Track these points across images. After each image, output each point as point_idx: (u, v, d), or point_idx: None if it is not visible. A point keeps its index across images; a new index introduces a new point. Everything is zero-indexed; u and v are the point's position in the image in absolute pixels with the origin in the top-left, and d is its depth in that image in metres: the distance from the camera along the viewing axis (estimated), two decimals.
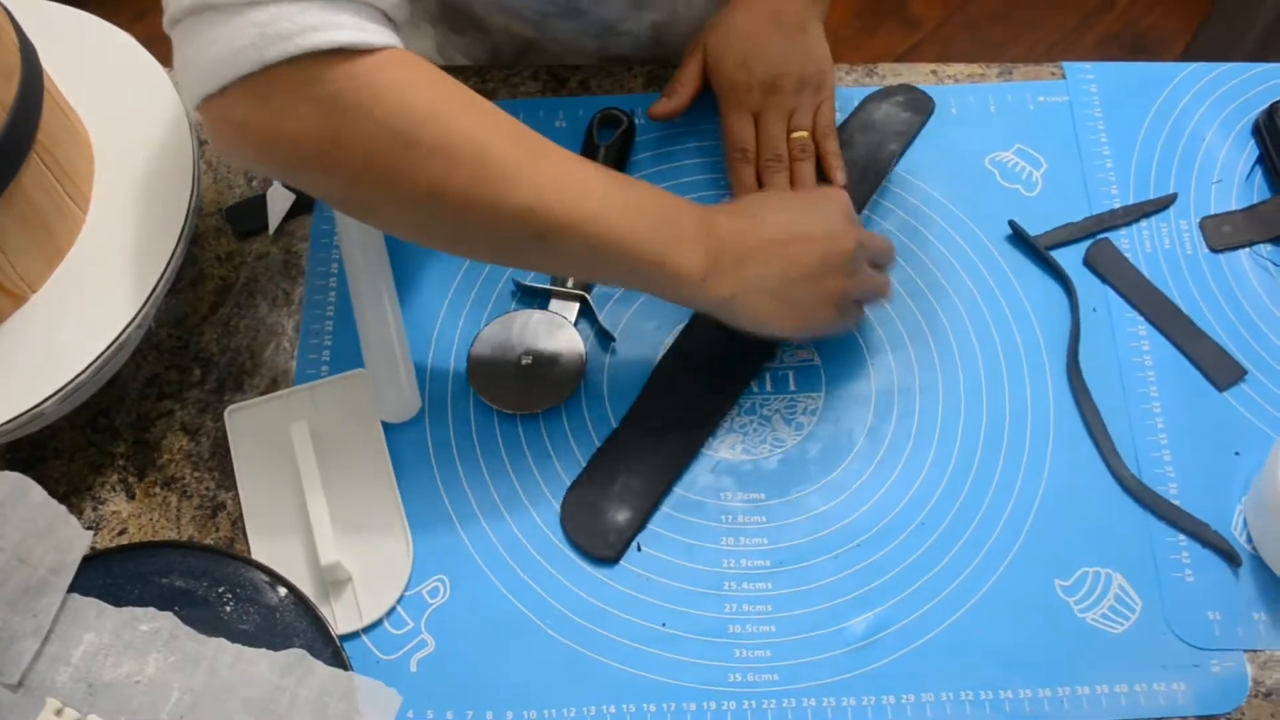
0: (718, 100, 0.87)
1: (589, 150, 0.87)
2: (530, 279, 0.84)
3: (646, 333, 0.82)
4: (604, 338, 0.82)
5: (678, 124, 0.90)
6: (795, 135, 0.85)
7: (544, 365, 0.80)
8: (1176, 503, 0.76)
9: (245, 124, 0.61)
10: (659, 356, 0.81)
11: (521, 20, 0.95)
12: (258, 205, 0.86)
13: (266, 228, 0.86)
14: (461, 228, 0.66)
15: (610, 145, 0.87)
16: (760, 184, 0.85)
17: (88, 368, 0.71)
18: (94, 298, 0.73)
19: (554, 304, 0.82)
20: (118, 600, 0.72)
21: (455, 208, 0.64)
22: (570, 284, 0.82)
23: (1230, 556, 0.75)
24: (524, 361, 0.80)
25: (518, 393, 0.79)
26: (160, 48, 0.83)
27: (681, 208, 0.72)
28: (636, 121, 0.90)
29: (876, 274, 0.78)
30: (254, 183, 0.88)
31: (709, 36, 0.86)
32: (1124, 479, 0.77)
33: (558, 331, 0.81)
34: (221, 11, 0.58)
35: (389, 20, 0.63)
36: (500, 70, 0.93)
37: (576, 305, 0.82)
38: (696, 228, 0.71)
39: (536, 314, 0.81)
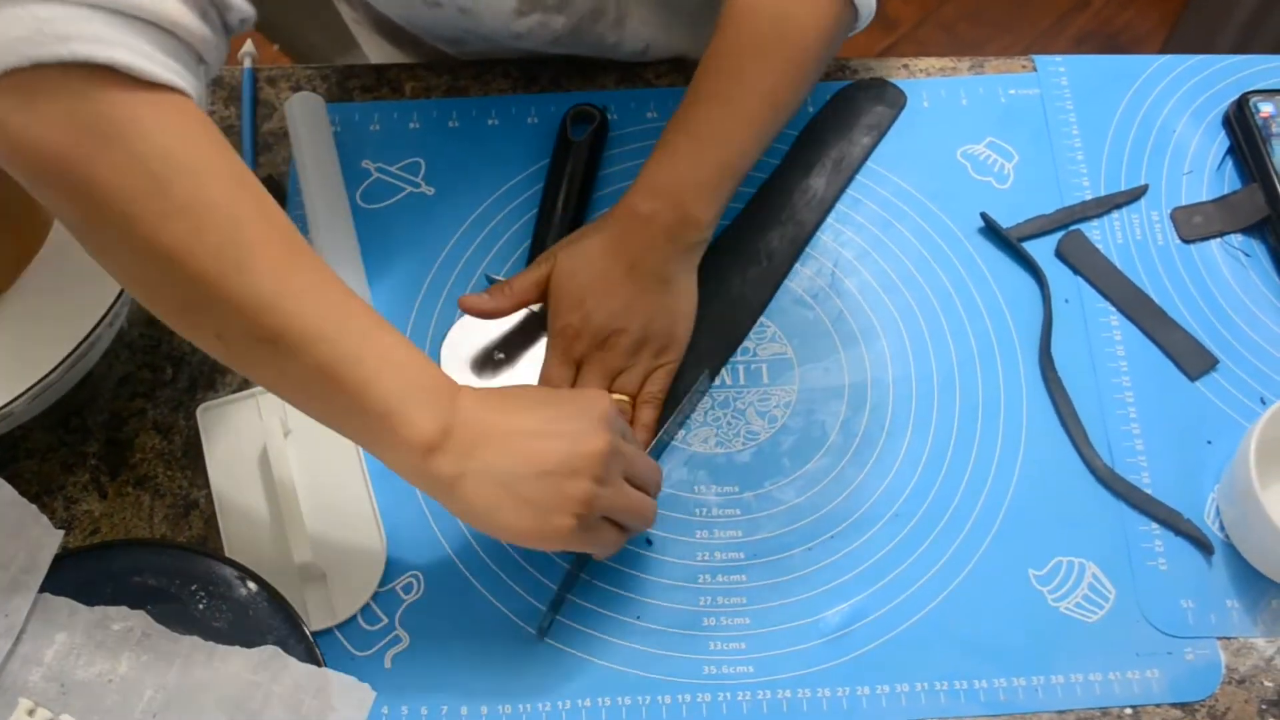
0: (546, 334, 0.79)
1: (563, 147, 0.87)
2: (503, 273, 0.84)
3: None
4: None
5: (652, 121, 0.90)
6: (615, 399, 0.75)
7: (517, 361, 0.79)
8: (1149, 491, 0.76)
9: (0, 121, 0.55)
10: None
11: (440, 42, 0.94)
12: None
13: None
14: (192, 302, 0.59)
15: (583, 142, 0.87)
16: None
17: (58, 367, 0.71)
18: (64, 297, 0.73)
19: None
20: (90, 599, 0.71)
21: (190, 277, 0.57)
22: None
23: (1203, 545, 0.75)
24: (497, 357, 0.80)
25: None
26: None
27: (433, 371, 0.64)
28: (610, 117, 0.90)
29: (635, 492, 0.68)
30: None
31: (560, 257, 0.78)
32: (1097, 469, 0.77)
33: (531, 327, 0.81)
34: None
35: (199, 61, 0.59)
36: (472, 67, 0.93)
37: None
38: (439, 393, 0.63)
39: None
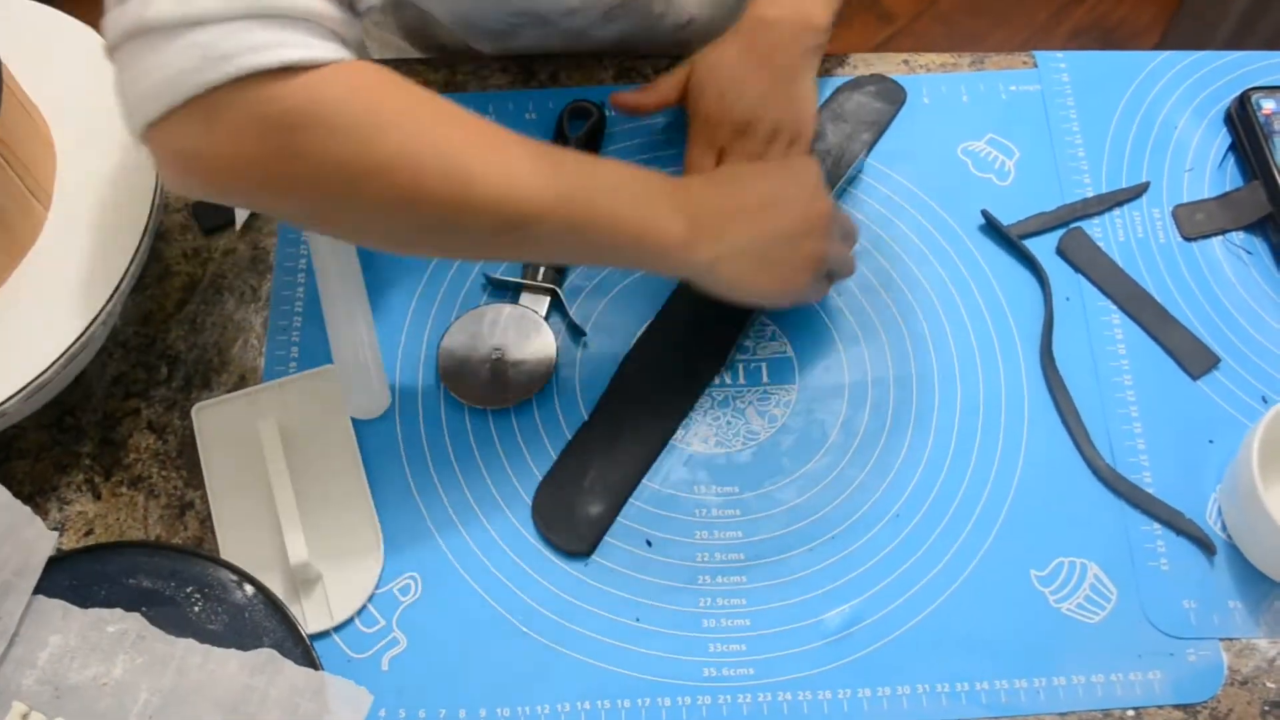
0: (687, 128, 0.84)
1: (559, 142, 0.86)
2: (500, 272, 0.83)
3: (617, 326, 0.82)
4: (575, 331, 0.81)
5: (650, 116, 0.89)
6: None
7: (514, 359, 0.79)
8: (1150, 491, 0.76)
9: (192, 152, 0.58)
10: (629, 350, 0.81)
11: (483, 38, 0.94)
12: None
13: (233, 223, 0.85)
14: (433, 231, 0.64)
15: (579, 138, 0.86)
16: None
17: (51, 365, 0.70)
18: (57, 295, 0.72)
19: (524, 298, 0.81)
20: (84, 602, 0.71)
21: (425, 212, 0.62)
22: (540, 277, 0.82)
23: (1205, 545, 0.75)
24: (494, 356, 0.79)
25: (488, 387, 0.78)
26: None
27: (654, 179, 0.71)
28: (607, 114, 0.89)
29: (844, 247, 0.77)
30: None
31: (698, 60, 0.84)
32: (1099, 468, 0.77)
33: (528, 325, 0.80)
34: (161, 34, 0.55)
35: (339, 38, 0.60)
36: (470, 63, 0.92)
37: (547, 299, 0.81)
38: (672, 196, 0.70)
39: (507, 308, 0.81)
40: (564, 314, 0.82)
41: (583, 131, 0.86)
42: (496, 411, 0.79)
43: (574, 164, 0.68)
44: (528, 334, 0.80)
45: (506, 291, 0.82)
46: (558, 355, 0.79)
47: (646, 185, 0.70)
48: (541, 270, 0.82)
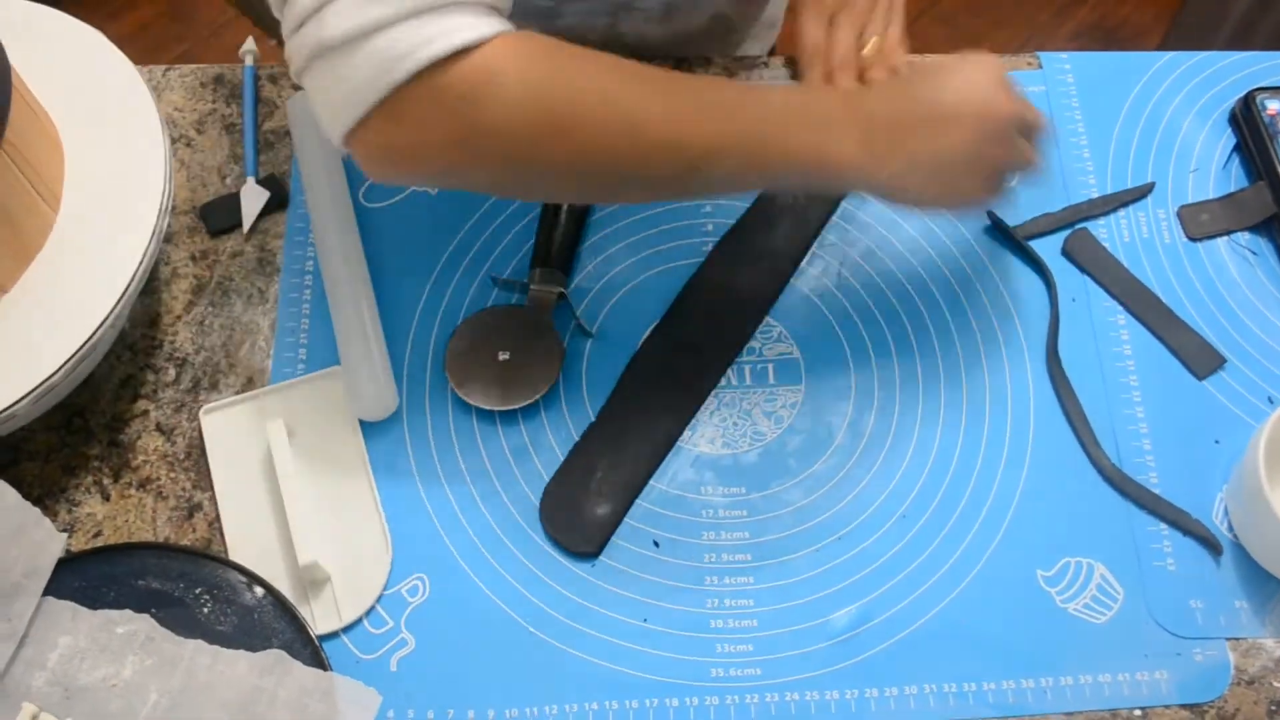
0: (797, 5, 0.89)
1: None
2: (507, 274, 0.83)
3: (624, 328, 0.82)
4: (582, 332, 0.82)
5: None
6: (868, 48, 0.87)
7: (521, 361, 0.79)
8: (1156, 491, 0.76)
9: (389, 147, 0.62)
10: (635, 351, 0.81)
11: (530, 15, 0.94)
12: (231, 203, 0.85)
13: (240, 225, 0.85)
14: (616, 181, 0.68)
15: None
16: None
17: (60, 368, 0.70)
18: (66, 297, 0.72)
19: (532, 298, 0.81)
20: (94, 603, 0.71)
21: (604, 166, 0.65)
22: (549, 280, 0.81)
23: (1211, 545, 0.75)
24: (501, 357, 0.79)
25: (495, 389, 0.78)
26: (132, 47, 0.83)
27: (827, 100, 0.71)
28: None
29: (1025, 143, 0.75)
30: (227, 180, 0.87)
31: None
32: (1105, 469, 0.77)
33: (535, 328, 0.80)
34: (341, 50, 0.59)
35: (496, 11, 0.63)
36: None
37: (554, 300, 0.81)
38: (846, 113, 0.70)
39: (513, 310, 0.81)
40: (571, 315, 0.82)
41: None
42: (504, 413, 0.79)
43: (744, 98, 0.68)
44: (534, 336, 0.80)
45: (513, 291, 0.82)
46: (564, 356, 0.80)
47: (819, 107, 0.70)
48: (550, 272, 0.82)
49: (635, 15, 0.94)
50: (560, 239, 0.82)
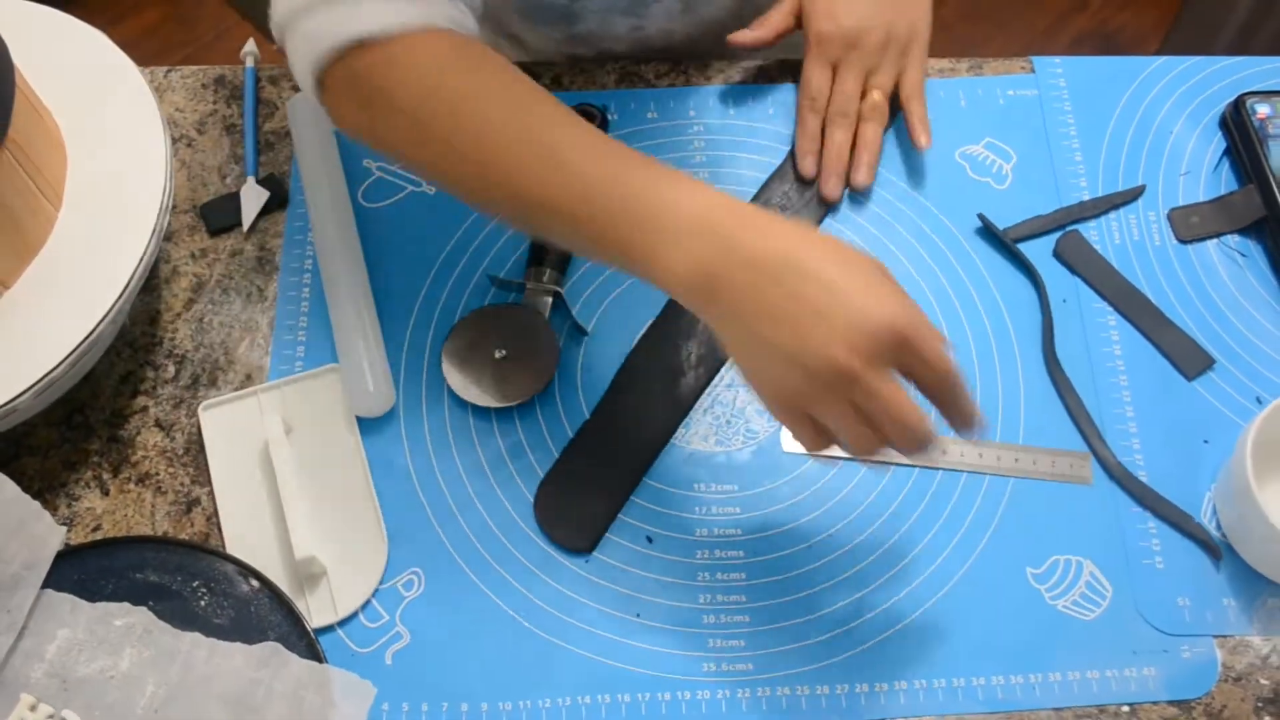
0: (803, 47, 0.88)
1: None
2: (504, 272, 0.84)
3: (619, 327, 0.83)
4: (577, 330, 0.82)
5: (652, 121, 0.90)
6: (869, 96, 0.86)
7: (518, 359, 0.80)
8: (1157, 491, 0.77)
9: (334, 117, 0.71)
10: (630, 350, 0.81)
11: (550, 19, 0.95)
12: (231, 202, 0.86)
13: (240, 225, 0.86)
14: (473, 201, 0.69)
15: None
16: (824, 137, 0.88)
17: (61, 363, 0.71)
18: (67, 294, 0.73)
19: (528, 297, 0.82)
20: (92, 596, 0.72)
21: (458, 187, 0.68)
22: (545, 279, 0.82)
23: (1210, 548, 0.75)
24: (498, 355, 0.80)
25: (492, 387, 0.79)
26: (136, 51, 0.84)
27: (690, 202, 0.61)
28: (610, 117, 0.90)
29: (895, 389, 0.59)
30: (227, 180, 0.88)
31: None
32: (1110, 467, 0.77)
33: (531, 326, 0.81)
34: (288, 29, 0.68)
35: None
36: None
37: (550, 299, 0.82)
38: (704, 227, 0.60)
39: (510, 309, 0.82)
40: (566, 314, 0.83)
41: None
42: (499, 410, 0.79)
43: (603, 168, 0.62)
44: (531, 334, 0.81)
45: (510, 290, 0.83)
46: (560, 354, 0.80)
47: (672, 210, 0.60)
48: (546, 272, 0.83)
49: (655, 11, 0.94)
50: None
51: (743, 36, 0.88)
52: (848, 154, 0.87)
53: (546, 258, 0.83)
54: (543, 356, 0.80)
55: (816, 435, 0.61)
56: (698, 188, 0.61)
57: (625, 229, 0.61)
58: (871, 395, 0.58)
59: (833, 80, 0.87)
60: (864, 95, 0.87)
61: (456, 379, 0.79)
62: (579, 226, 0.63)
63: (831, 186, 0.86)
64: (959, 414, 0.61)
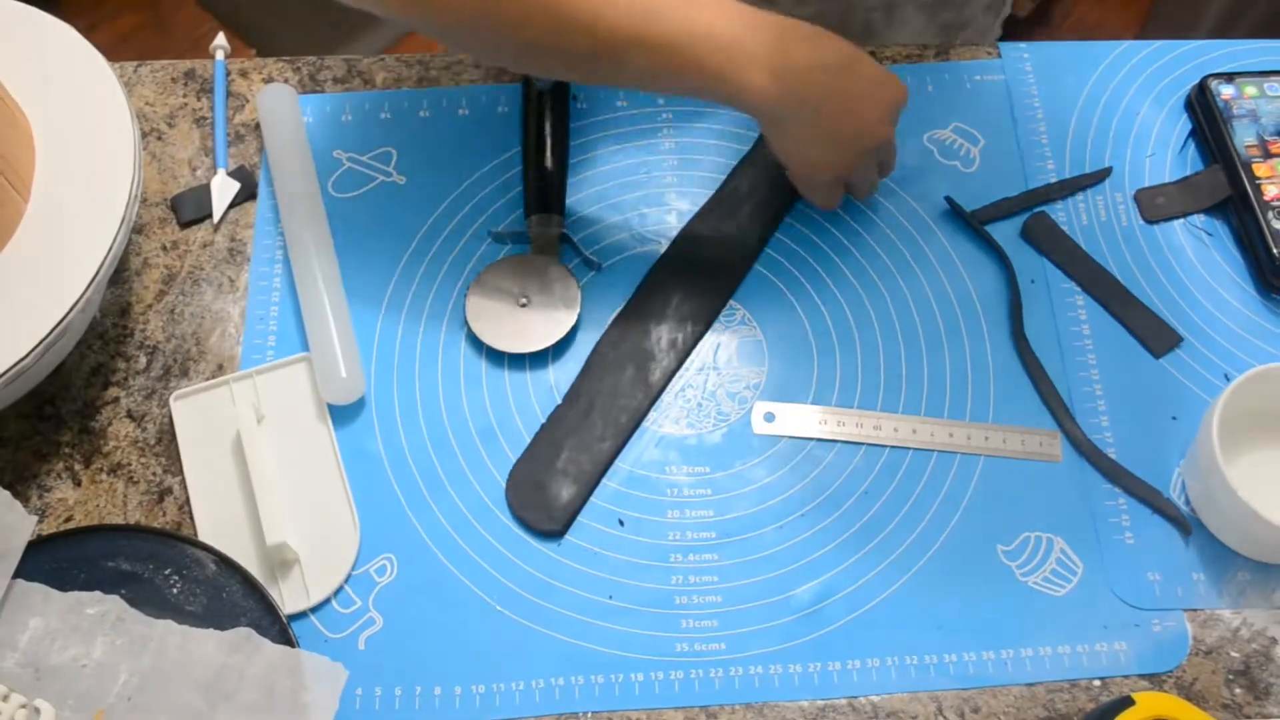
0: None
1: (527, 94, 0.89)
2: (503, 226, 0.85)
3: (593, 311, 0.83)
4: (589, 266, 0.84)
5: (623, 110, 0.91)
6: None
7: (542, 303, 0.81)
8: (1126, 467, 0.77)
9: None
10: (602, 333, 0.82)
11: None
12: (202, 194, 0.86)
13: (211, 216, 0.86)
14: (533, 52, 0.71)
15: (547, 91, 0.88)
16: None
17: (30, 353, 0.71)
18: (36, 285, 0.73)
19: (535, 244, 0.84)
20: (64, 585, 0.71)
21: (525, 33, 0.69)
22: (552, 224, 0.84)
23: (1181, 525, 0.76)
24: (521, 301, 0.81)
25: (522, 334, 0.81)
26: (113, 58, 0.84)
27: (748, 24, 0.71)
28: (580, 106, 0.91)
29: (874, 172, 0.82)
30: (197, 172, 0.88)
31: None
32: (1080, 443, 0.78)
33: (545, 268, 0.82)
34: None
35: None
36: (443, 58, 0.93)
37: (557, 239, 0.84)
38: (767, 47, 0.71)
39: (522, 258, 0.83)
40: (576, 252, 0.84)
41: (551, 82, 0.88)
42: (471, 394, 0.80)
43: (673, 4, 0.70)
44: (547, 277, 0.82)
45: (510, 243, 0.85)
46: (582, 293, 0.82)
47: (739, 33, 0.71)
48: (553, 218, 0.84)
49: None
50: (553, 181, 0.85)
51: None
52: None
53: (547, 202, 0.84)
54: (565, 295, 0.81)
55: (838, 194, 0.83)
56: (743, 11, 0.72)
57: (706, 60, 0.70)
58: (890, 148, 0.82)
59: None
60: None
61: (485, 331, 0.80)
62: (658, 61, 0.70)
63: None
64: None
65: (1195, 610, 0.74)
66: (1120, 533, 0.76)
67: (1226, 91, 0.88)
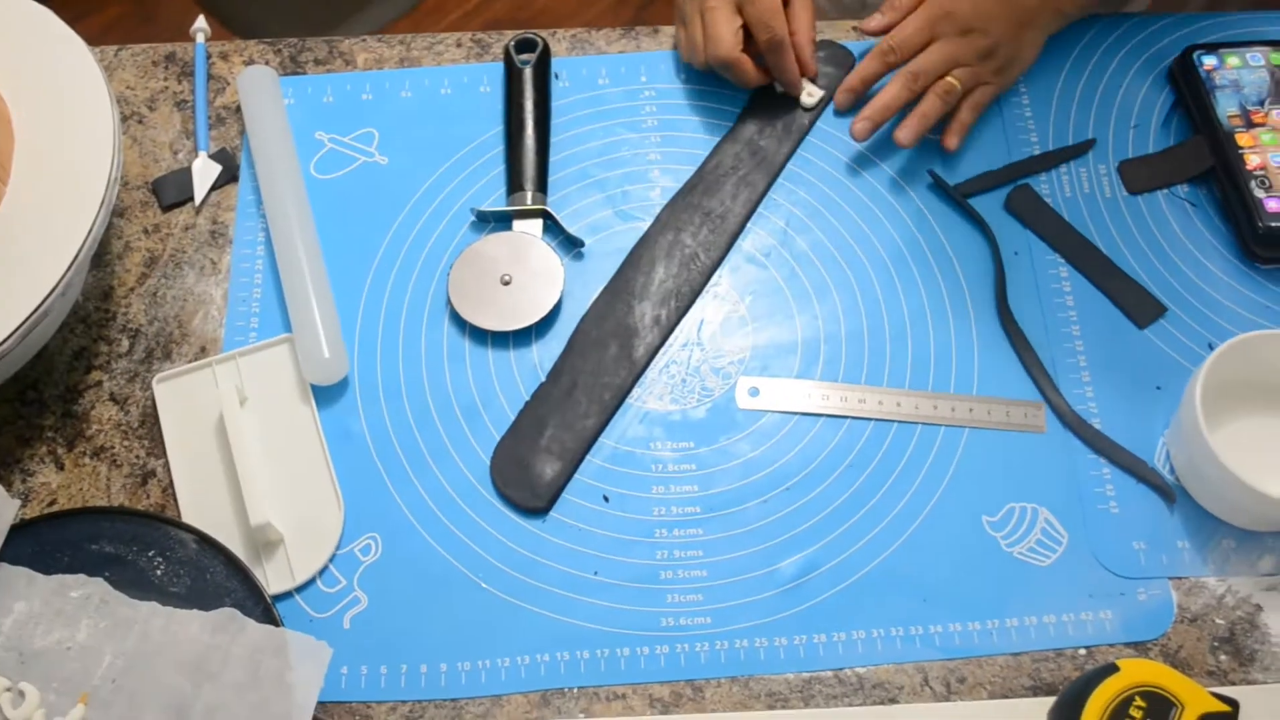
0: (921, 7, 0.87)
1: (510, 72, 0.89)
2: (487, 204, 0.85)
3: (576, 289, 0.83)
4: (572, 244, 0.84)
5: (603, 87, 0.91)
6: (946, 79, 0.85)
7: (524, 281, 0.81)
8: (1110, 437, 0.77)
9: None
10: (585, 310, 0.82)
11: None
12: (183, 177, 0.86)
13: (193, 199, 0.86)
14: None
15: (530, 66, 0.88)
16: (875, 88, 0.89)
17: (11, 336, 0.71)
18: (15, 268, 0.73)
19: (517, 224, 0.84)
20: (48, 568, 0.71)
21: None
22: (530, 201, 0.84)
23: (1165, 493, 0.75)
24: (504, 279, 0.81)
25: (505, 312, 0.81)
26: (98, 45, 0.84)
27: None
28: (563, 84, 0.91)
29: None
30: (179, 155, 0.88)
31: None
32: (1064, 414, 0.78)
33: (530, 249, 0.82)
34: None
35: None
36: (424, 37, 0.93)
37: (540, 220, 0.83)
38: None
39: (503, 235, 0.83)
40: (559, 230, 0.84)
41: (533, 60, 0.89)
42: (454, 373, 0.80)
43: None
44: (531, 259, 0.82)
45: (494, 221, 0.85)
46: (564, 269, 0.82)
47: None
48: (530, 194, 0.84)
49: None
50: (531, 158, 0.85)
51: (874, 24, 0.88)
52: (894, 112, 0.86)
53: (529, 180, 0.84)
54: (547, 274, 0.81)
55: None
56: None
57: None
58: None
59: (925, 45, 0.86)
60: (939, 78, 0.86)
61: (469, 309, 0.80)
62: None
63: (860, 128, 0.85)
64: None
65: (1180, 578, 0.74)
66: (1105, 502, 0.76)
67: (1209, 62, 0.87)
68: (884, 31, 0.88)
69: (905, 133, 0.84)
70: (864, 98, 0.88)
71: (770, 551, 0.74)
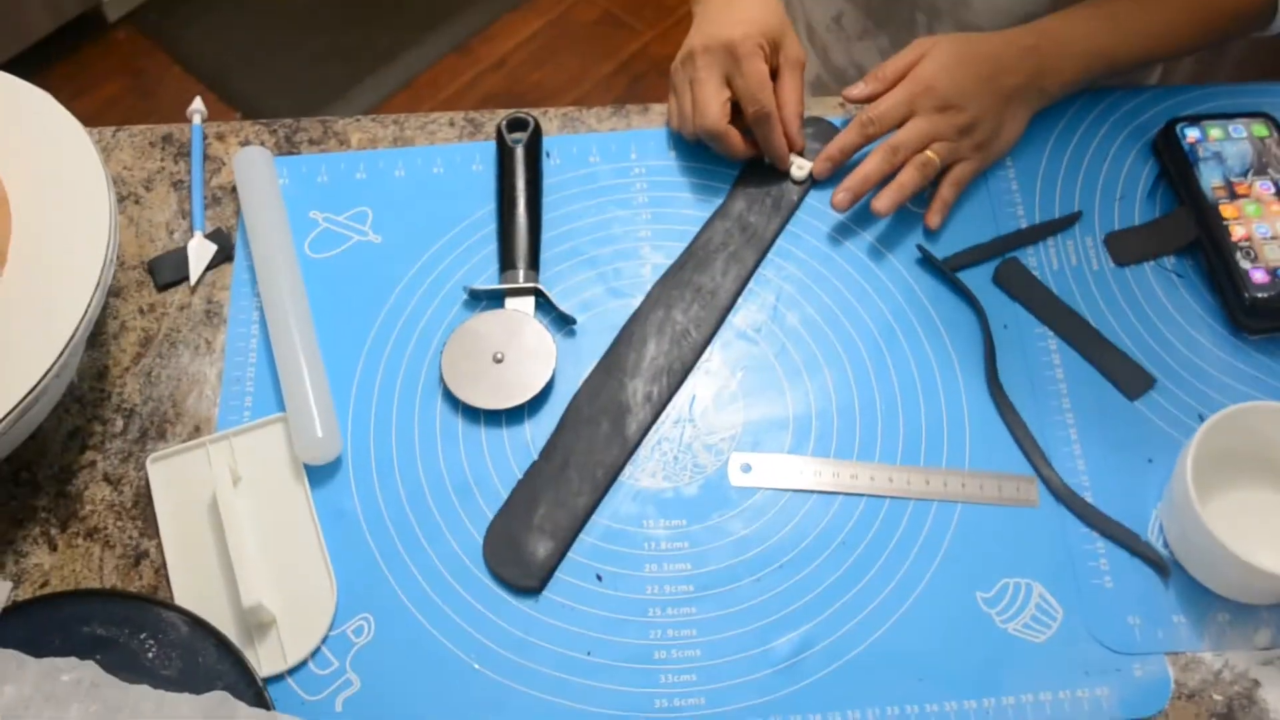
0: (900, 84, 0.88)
1: (502, 152, 0.90)
2: (479, 282, 0.86)
3: (568, 367, 0.83)
4: (564, 321, 0.85)
5: (594, 165, 0.92)
6: (924, 153, 0.86)
7: (515, 360, 0.81)
8: (1104, 511, 0.77)
9: None
10: (576, 389, 0.82)
11: None
12: (179, 257, 0.87)
13: (188, 278, 0.86)
14: None
15: (522, 145, 0.90)
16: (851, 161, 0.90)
17: (5, 417, 0.71)
18: (11, 350, 0.73)
19: (509, 302, 0.84)
20: (39, 651, 0.71)
21: None
22: (522, 279, 0.84)
23: (1160, 567, 0.75)
24: (497, 357, 0.81)
25: (497, 390, 0.81)
26: (97, 124, 0.84)
27: None
28: (554, 162, 0.92)
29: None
30: (175, 235, 0.89)
31: (940, 38, 0.89)
32: (1056, 488, 0.78)
33: (524, 330, 0.83)
34: None
35: None
36: (418, 116, 0.94)
37: (532, 298, 0.84)
38: None
39: (496, 314, 0.84)
40: (551, 307, 0.85)
41: (524, 139, 0.90)
42: (447, 452, 0.80)
43: None
44: (524, 338, 0.82)
45: (488, 300, 0.85)
46: (556, 347, 0.83)
47: None
48: (521, 272, 0.85)
49: None
50: (523, 235, 0.86)
51: (857, 91, 0.89)
52: (874, 184, 0.86)
53: (522, 258, 0.85)
54: (540, 352, 0.82)
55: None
56: None
57: None
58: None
59: (903, 120, 0.87)
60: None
61: (460, 387, 0.81)
62: None
63: (840, 199, 0.86)
64: None
65: (1176, 653, 0.73)
66: (1099, 576, 0.76)
67: (1192, 134, 0.89)
68: (866, 100, 0.88)
69: (882, 202, 0.85)
70: (844, 168, 0.89)
71: (764, 630, 0.74)
